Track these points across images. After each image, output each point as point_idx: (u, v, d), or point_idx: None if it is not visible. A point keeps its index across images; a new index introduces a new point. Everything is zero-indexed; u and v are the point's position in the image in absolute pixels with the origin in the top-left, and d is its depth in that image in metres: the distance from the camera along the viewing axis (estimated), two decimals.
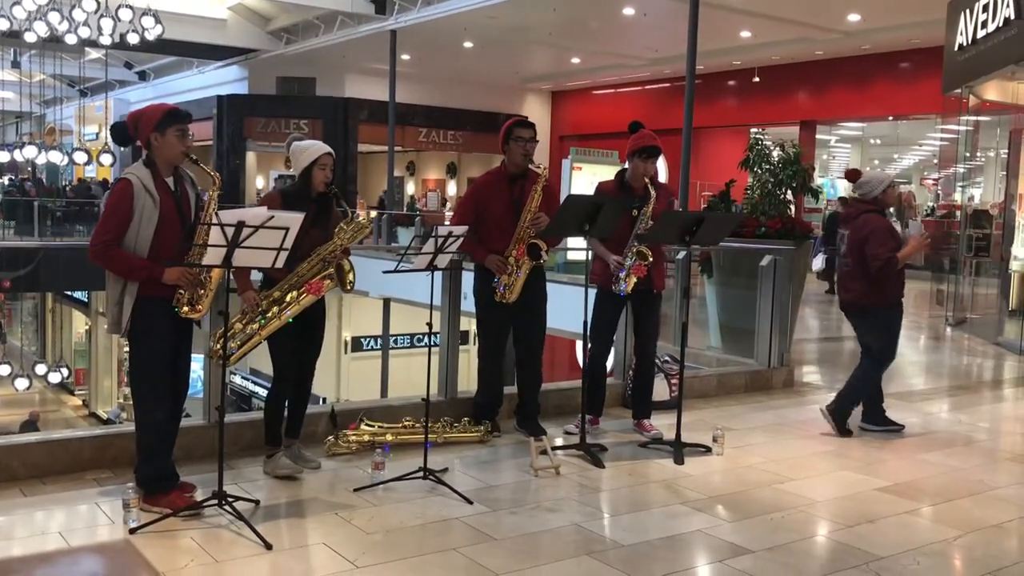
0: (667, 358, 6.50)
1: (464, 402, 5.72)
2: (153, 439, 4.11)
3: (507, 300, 5.32)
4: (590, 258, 5.50)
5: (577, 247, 8.70)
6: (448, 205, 26.99)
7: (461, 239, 4.66)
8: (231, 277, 4.13)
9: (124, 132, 4.19)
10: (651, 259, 5.36)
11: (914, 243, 5.75)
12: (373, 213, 20.43)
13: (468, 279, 5.67)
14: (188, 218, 4.13)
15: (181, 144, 4.07)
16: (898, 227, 5.85)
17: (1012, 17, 9.10)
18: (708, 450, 5.35)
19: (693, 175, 14.08)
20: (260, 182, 25.56)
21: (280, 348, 4.59)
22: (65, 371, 15.97)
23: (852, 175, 6.01)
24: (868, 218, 5.77)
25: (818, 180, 18.88)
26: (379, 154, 24.57)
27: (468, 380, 6.01)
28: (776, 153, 8.96)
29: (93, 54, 22.18)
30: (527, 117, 5.71)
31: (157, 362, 4.06)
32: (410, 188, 29.85)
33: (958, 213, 14.42)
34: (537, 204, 5.28)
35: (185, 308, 4.05)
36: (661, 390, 6.18)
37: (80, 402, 25.55)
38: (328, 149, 4.63)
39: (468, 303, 5.69)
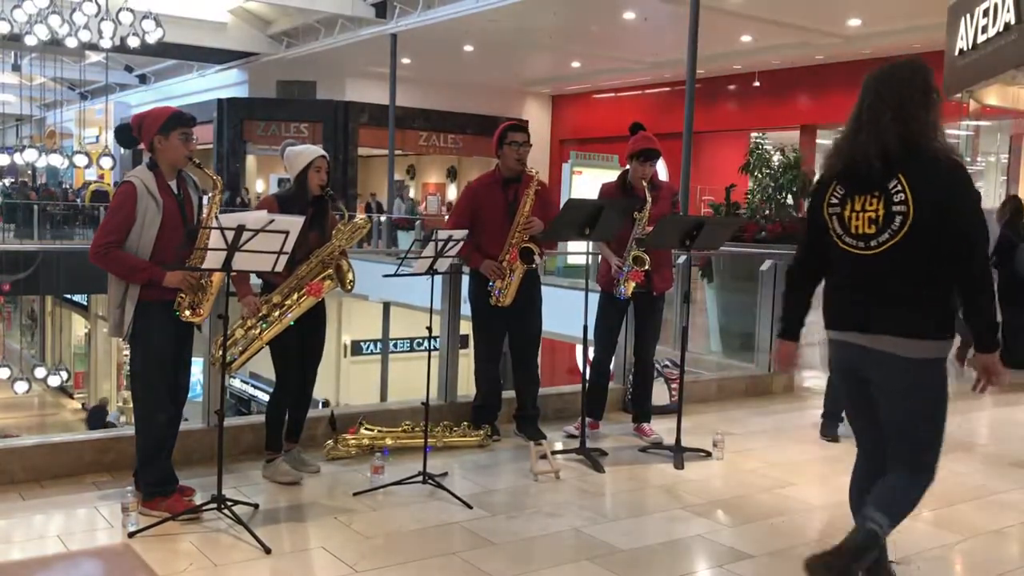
0: (667, 362, 6.49)
1: (463, 406, 5.72)
2: (153, 443, 4.10)
3: (502, 303, 5.32)
4: (590, 262, 5.49)
5: (577, 251, 8.70)
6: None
7: (461, 243, 4.66)
8: (230, 282, 4.12)
9: (128, 134, 4.20)
10: (648, 265, 5.35)
11: None
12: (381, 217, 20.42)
13: (467, 283, 5.67)
14: (191, 221, 4.13)
15: (185, 147, 4.08)
16: None
17: (1013, 22, 9.09)
18: (708, 455, 5.34)
19: (693, 179, 14.09)
20: (260, 185, 25.57)
21: (283, 353, 4.59)
22: (64, 374, 15.95)
23: None
24: None
25: None
26: (379, 158, 24.58)
27: (467, 384, 6.00)
28: (776, 158, 8.97)
29: (93, 57, 22.20)
30: (523, 120, 5.69)
31: (158, 365, 4.06)
32: (410, 192, 29.87)
33: None
34: (530, 208, 5.27)
35: (186, 312, 4.04)
36: (661, 394, 6.18)
37: (79, 405, 25.50)
38: (322, 152, 4.64)
39: (468, 307, 5.69)
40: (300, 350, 4.63)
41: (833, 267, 3.22)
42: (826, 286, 3.27)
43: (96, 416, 19.38)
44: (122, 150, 10.64)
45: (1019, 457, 5.72)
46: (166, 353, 4.07)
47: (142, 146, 4.15)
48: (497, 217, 5.33)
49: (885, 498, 3.15)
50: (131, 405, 4.31)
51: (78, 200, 23.77)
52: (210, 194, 4.16)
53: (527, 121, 20.42)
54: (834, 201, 3.16)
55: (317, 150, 4.64)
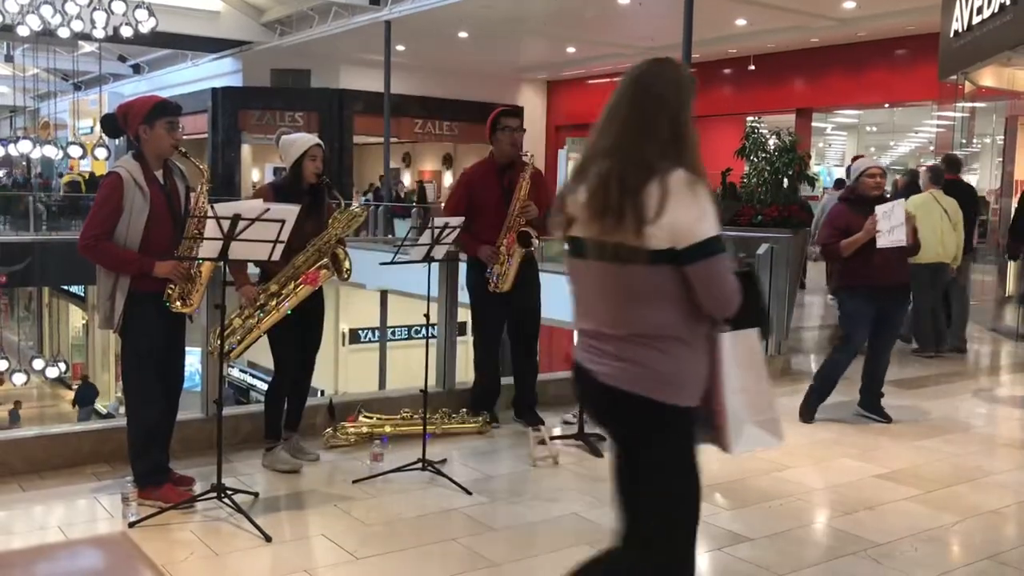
0: None
1: (462, 393, 5.72)
2: (144, 435, 4.09)
3: (500, 289, 5.32)
4: None
5: None
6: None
7: (458, 230, 4.65)
8: (227, 271, 4.11)
9: (114, 124, 4.16)
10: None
11: (858, 235, 5.60)
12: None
13: (465, 270, 5.67)
14: (178, 212, 4.10)
15: (170, 136, 4.04)
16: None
17: (1008, 3, 9.07)
18: None
19: None
20: (256, 175, 25.51)
21: (281, 342, 4.59)
22: (62, 366, 15.92)
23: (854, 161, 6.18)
24: (834, 207, 6.03)
25: (814, 168, 18.87)
26: (375, 145, 24.49)
27: (466, 371, 6.01)
28: (772, 141, 8.98)
29: (87, 48, 22.06)
30: (515, 105, 5.66)
31: (149, 357, 4.04)
32: (406, 179, 29.81)
33: None
34: (526, 193, 5.27)
35: (176, 303, 4.03)
36: None
37: None
38: (317, 140, 4.62)
39: (465, 294, 5.69)
40: (298, 338, 4.63)
41: None
42: None
43: (85, 394, 20.12)
44: (117, 141, 10.55)
45: (1014, 438, 5.75)
46: (158, 344, 4.05)
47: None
48: (493, 203, 5.32)
49: None
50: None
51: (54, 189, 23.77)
52: (199, 184, 4.13)
53: (521, 107, 20.41)
54: None
55: (312, 138, 4.62)
